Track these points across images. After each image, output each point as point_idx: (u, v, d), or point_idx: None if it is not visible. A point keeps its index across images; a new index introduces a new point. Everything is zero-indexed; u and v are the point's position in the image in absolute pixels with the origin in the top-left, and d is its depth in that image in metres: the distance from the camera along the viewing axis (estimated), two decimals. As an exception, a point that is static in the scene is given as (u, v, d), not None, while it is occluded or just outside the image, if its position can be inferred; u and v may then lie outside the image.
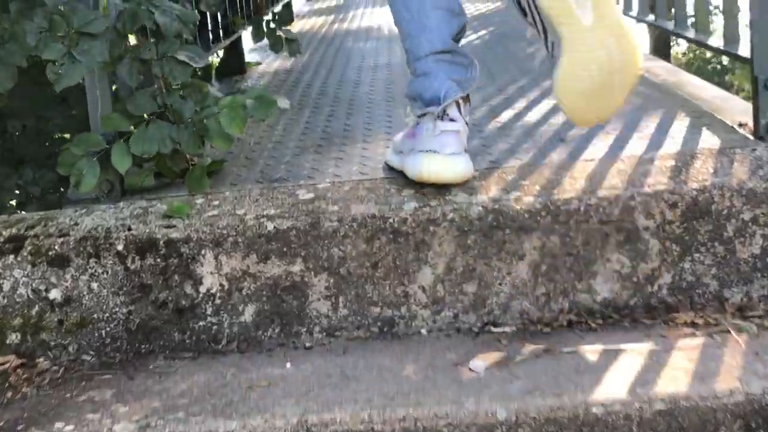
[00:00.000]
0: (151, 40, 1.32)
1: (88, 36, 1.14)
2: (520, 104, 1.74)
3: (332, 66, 2.46)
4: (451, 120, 1.27)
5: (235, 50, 2.51)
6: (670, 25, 2.05)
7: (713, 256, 1.16)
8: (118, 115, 1.31)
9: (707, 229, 1.15)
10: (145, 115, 1.31)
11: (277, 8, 3.02)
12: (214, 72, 2.50)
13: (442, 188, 1.22)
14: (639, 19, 2.22)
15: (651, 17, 2.16)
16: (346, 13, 3.89)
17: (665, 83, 1.83)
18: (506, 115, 1.66)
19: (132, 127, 1.30)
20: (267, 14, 2.38)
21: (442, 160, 1.23)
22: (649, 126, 1.47)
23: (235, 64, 2.54)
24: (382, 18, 3.60)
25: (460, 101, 1.30)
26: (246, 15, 2.49)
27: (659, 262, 1.16)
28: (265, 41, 2.29)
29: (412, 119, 1.35)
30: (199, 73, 2.12)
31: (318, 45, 2.93)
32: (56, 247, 1.19)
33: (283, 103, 1.30)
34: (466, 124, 1.31)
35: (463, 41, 1.37)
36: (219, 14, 2.24)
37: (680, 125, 1.46)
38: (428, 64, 1.32)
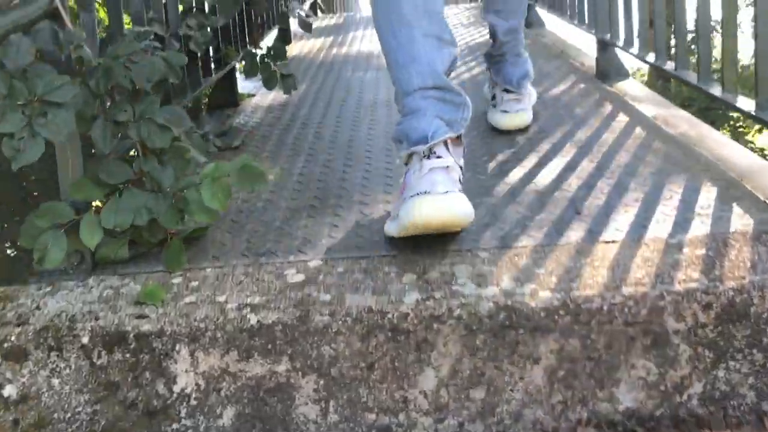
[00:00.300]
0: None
1: (54, 105, 1.01)
2: (530, 161, 1.61)
3: (330, 100, 2.33)
4: (438, 157, 1.17)
5: (227, 80, 2.38)
6: (670, 65, 1.93)
7: (751, 364, 1.03)
8: (89, 183, 1.18)
9: (745, 334, 1.03)
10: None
11: (275, 32, 2.91)
12: (205, 103, 2.37)
13: (438, 239, 1.11)
14: (640, 58, 2.10)
15: (651, 56, 2.04)
16: (346, 35, 3.77)
17: (685, 138, 1.70)
18: (515, 176, 1.53)
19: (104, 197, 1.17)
20: (262, 47, 2.24)
21: (433, 200, 1.11)
22: (672, 197, 1.34)
23: (227, 96, 2.41)
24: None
25: (449, 141, 1.20)
26: (240, 45, 2.36)
27: (690, 369, 1.03)
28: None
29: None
30: (189, 105, 1.99)
31: (316, 73, 2.81)
32: (12, 338, 1.06)
33: (272, 173, 1.17)
34: (460, 167, 1.22)
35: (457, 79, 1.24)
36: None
37: (707, 197, 1.33)
38: (416, 101, 1.23)
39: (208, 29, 1.98)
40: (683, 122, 1.86)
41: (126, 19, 1.64)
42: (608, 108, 1.97)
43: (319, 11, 5.29)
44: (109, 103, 1.19)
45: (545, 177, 1.50)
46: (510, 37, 1.86)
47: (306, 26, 2.19)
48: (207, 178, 1.15)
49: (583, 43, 2.81)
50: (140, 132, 1.17)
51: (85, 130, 1.17)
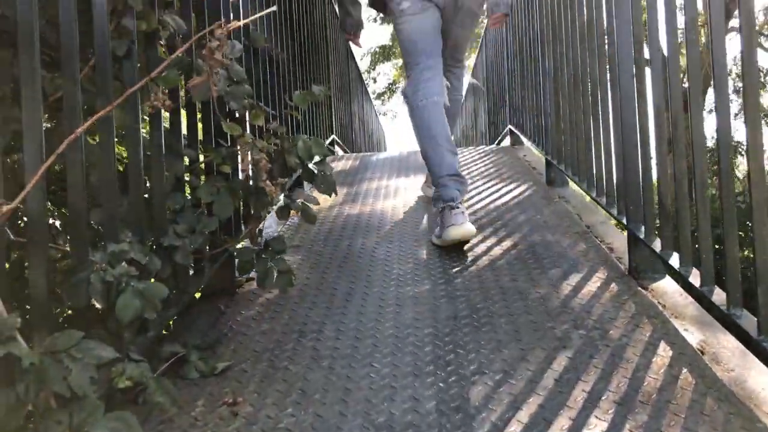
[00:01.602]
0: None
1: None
2: (538, 400, 1.36)
3: (333, 295, 2.12)
4: (457, 207, 2.45)
5: (224, 266, 2.19)
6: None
7: None
8: None
9: None
10: None
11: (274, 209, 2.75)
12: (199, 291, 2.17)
13: None
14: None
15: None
16: (360, 186, 3.62)
17: (742, 391, 1.44)
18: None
19: None
20: (261, 240, 2.06)
21: (459, 227, 2.40)
22: None
23: (223, 282, 2.21)
24: (402, 197, 3.31)
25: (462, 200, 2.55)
26: (235, 230, 2.19)
27: None
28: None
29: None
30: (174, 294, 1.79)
31: (323, 247, 2.61)
32: None
33: None
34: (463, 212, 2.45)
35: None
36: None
37: None
38: (445, 180, 2.57)
39: (200, 233, 1.80)
40: (730, 355, 1.61)
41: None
42: (645, 331, 1.73)
43: (339, 150, 5.22)
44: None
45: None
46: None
47: (310, 218, 2.01)
48: None
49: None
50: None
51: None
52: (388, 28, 17.34)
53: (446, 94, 2.76)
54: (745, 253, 6.52)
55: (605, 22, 2.39)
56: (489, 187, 3.43)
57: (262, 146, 1.83)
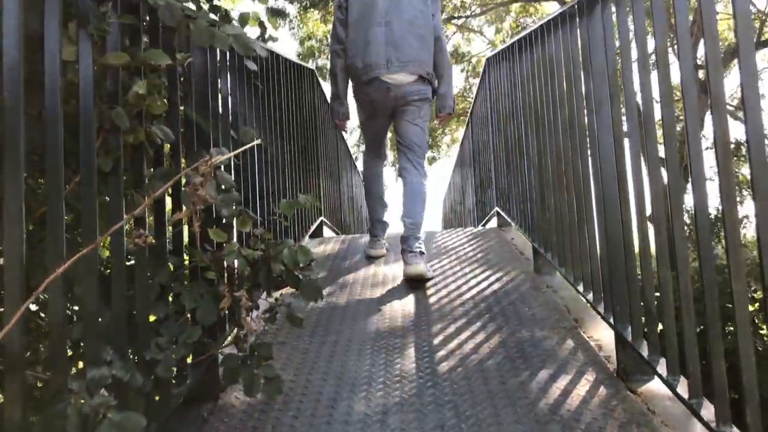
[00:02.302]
0: None
1: None
2: None
3: (318, 400, 2.08)
4: (377, 238, 4.01)
5: (207, 371, 2.15)
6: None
7: None
8: None
9: None
10: None
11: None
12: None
13: None
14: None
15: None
16: (347, 273, 3.61)
17: None
18: None
19: None
20: (246, 345, 2.03)
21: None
22: None
23: (207, 386, 2.17)
24: (390, 286, 3.29)
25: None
26: (220, 331, 2.16)
27: None
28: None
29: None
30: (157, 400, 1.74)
31: (309, 343, 2.58)
32: None
33: None
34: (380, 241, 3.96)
35: None
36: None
37: None
38: (375, 224, 3.97)
39: (184, 343, 1.77)
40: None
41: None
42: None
43: (328, 231, 5.23)
44: None
45: None
46: (412, 228, 3.46)
47: (296, 321, 1.99)
48: None
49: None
50: None
51: None
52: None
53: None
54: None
55: (586, 120, 2.44)
56: (477, 274, 3.43)
57: (247, 254, 1.83)
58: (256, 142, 1.80)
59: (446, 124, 3.70)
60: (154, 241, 1.54)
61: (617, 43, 2.10)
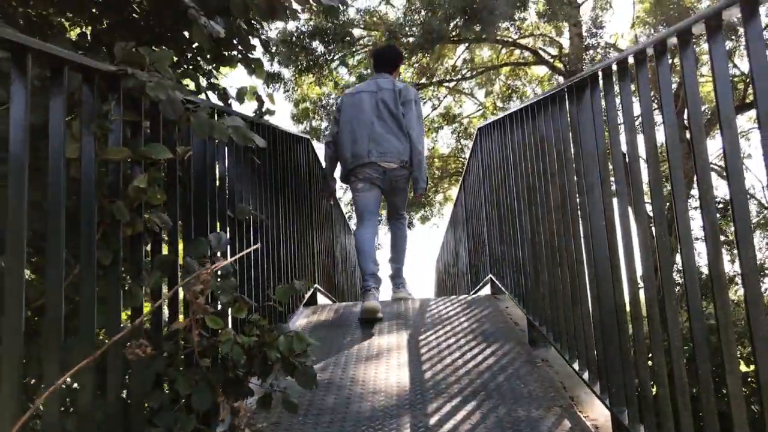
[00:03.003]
0: None
1: None
2: None
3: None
4: (370, 291, 4.31)
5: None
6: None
7: None
8: None
9: None
10: None
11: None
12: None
13: None
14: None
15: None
16: (341, 346, 3.59)
17: None
18: None
19: None
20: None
21: (369, 302, 4.18)
22: None
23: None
24: (385, 360, 3.28)
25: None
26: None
27: None
28: None
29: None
30: None
31: (302, 425, 2.55)
32: None
33: None
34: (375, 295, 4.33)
35: None
36: None
37: None
38: (368, 277, 4.37)
39: (177, 433, 1.75)
40: None
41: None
42: None
43: (322, 298, 5.22)
44: None
45: None
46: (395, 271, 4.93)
47: (291, 408, 1.98)
48: None
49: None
50: None
51: None
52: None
53: (378, 236, 4.77)
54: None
55: (578, 198, 2.49)
56: (473, 347, 3.42)
57: (243, 341, 1.83)
58: (255, 247, 1.82)
59: (421, 198, 4.71)
60: (154, 351, 1.54)
61: (606, 126, 2.16)
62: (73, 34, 3.48)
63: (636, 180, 1.95)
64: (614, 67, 2.08)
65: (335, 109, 4.75)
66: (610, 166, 2.16)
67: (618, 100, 2.05)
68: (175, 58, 2.79)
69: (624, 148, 2.04)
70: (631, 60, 1.94)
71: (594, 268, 2.27)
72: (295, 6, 2.89)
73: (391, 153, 4.40)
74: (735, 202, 1.45)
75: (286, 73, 13.71)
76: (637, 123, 1.94)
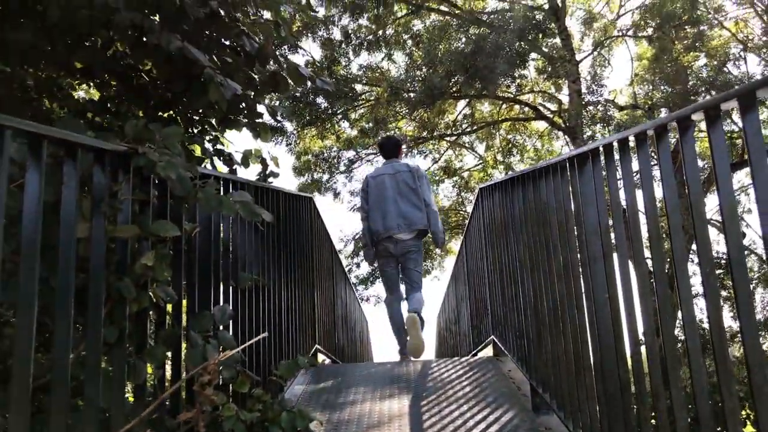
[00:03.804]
0: None
1: None
2: None
3: None
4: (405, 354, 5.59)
5: None
6: None
7: None
8: None
9: None
10: None
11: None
12: None
13: None
14: None
15: None
16: (342, 412, 3.55)
17: None
18: None
19: None
20: None
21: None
22: None
23: None
24: (387, 429, 3.24)
25: None
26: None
27: None
28: None
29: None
30: None
31: (304, 495, 2.51)
32: None
33: None
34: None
35: None
36: None
37: None
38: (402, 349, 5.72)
39: None
40: None
41: None
42: None
43: (323, 357, 5.19)
44: None
45: None
46: (415, 303, 5.46)
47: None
48: None
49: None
50: None
51: None
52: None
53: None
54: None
55: (580, 269, 2.50)
56: (475, 414, 3.38)
57: (245, 418, 1.82)
58: (263, 335, 1.83)
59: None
60: None
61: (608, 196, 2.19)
62: (81, 91, 3.55)
63: (638, 256, 1.97)
64: (615, 144, 2.12)
65: (361, 189, 5.75)
66: (613, 240, 2.18)
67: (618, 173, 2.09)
68: (182, 129, 2.84)
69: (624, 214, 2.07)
70: (632, 140, 1.98)
71: (598, 341, 2.27)
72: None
73: (414, 223, 5.41)
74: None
75: (289, 126, 13.89)
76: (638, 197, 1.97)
